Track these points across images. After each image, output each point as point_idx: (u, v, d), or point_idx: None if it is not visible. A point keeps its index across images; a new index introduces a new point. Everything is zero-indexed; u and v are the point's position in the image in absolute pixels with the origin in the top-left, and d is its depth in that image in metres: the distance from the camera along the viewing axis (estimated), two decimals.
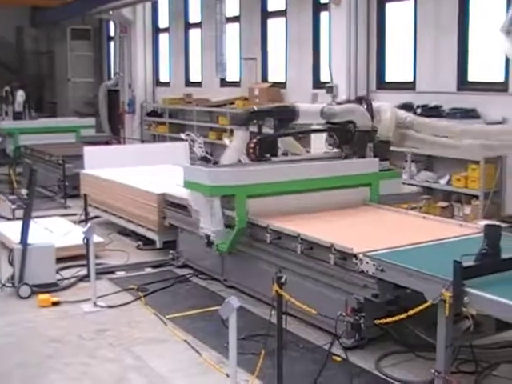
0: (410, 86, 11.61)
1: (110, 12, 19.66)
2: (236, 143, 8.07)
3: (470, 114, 10.18)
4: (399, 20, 12.09)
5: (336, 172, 7.70)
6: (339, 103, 8.39)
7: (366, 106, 8.04)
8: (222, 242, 7.18)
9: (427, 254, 5.80)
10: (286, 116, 8.09)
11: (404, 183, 9.15)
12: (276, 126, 8.15)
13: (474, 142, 8.44)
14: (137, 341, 6.30)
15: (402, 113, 8.53)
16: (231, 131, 15.03)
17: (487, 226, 5.15)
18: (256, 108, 8.18)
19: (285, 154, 8.75)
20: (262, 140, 7.88)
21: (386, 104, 8.41)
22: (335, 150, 8.20)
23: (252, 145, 7.82)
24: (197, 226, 7.51)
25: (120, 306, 7.24)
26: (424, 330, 5.59)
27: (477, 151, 8.95)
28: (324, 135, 8.33)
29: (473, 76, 10.80)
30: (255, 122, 8.07)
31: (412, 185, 10.11)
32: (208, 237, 7.27)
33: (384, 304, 5.71)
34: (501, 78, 10.21)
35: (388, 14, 12.18)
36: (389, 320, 5.21)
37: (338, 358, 5.71)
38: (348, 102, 8.48)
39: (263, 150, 7.86)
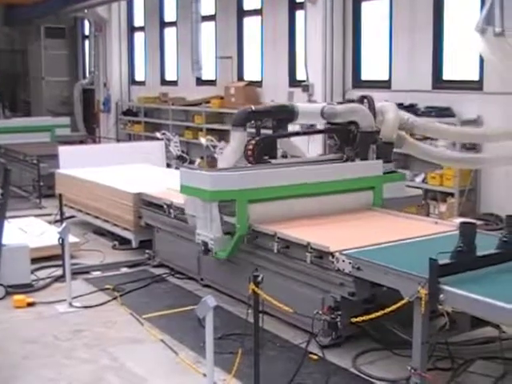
0: (385, 85, 11.67)
1: (85, 10, 19.57)
2: (234, 145, 7.61)
3: (445, 112, 10.25)
4: (375, 19, 12.14)
5: (340, 175, 7.36)
6: (340, 103, 8.05)
7: (367, 106, 7.75)
8: (220, 249, 6.85)
9: (403, 251, 5.82)
10: (284, 116, 7.72)
11: None
12: (275, 127, 7.79)
13: (474, 155, 8.46)
14: (113, 341, 6.26)
15: (403, 113, 8.33)
16: (206, 130, 15.08)
17: (462, 223, 5.17)
18: (254, 108, 7.71)
19: (284, 155, 8.41)
20: (261, 141, 7.46)
21: (389, 104, 8.16)
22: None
23: (251, 146, 7.40)
24: (191, 231, 7.22)
25: (96, 306, 7.19)
26: (400, 328, 5.61)
27: (477, 164, 8.95)
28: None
29: (448, 75, 10.87)
30: (253, 122, 7.66)
31: None
32: (205, 244, 6.88)
33: (360, 302, 5.72)
34: (475, 77, 10.29)
35: (364, 12, 12.23)
36: (365, 318, 5.22)
37: (315, 357, 5.72)
38: (349, 101, 8.13)
39: (262, 151, 7.46)
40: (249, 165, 7.40)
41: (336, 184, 7.29)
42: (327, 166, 7.51)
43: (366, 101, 7.81)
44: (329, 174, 7.32)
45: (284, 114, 7.70)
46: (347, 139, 7.69)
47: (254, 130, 7.70)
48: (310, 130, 8.86)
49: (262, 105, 8.65)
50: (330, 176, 7.29)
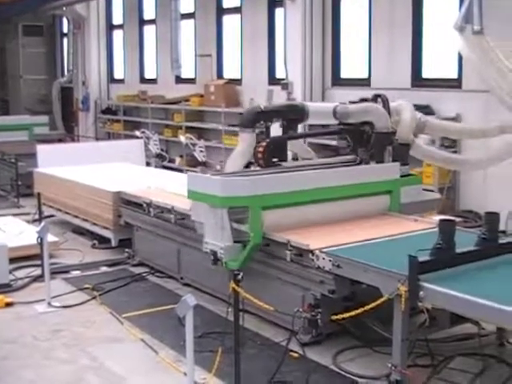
0: (365, 83, 11.70)
1: (64, 8, 19.42)
2: (242, 147, 7.16)
3: (425, 110, 10.25)
4: (354, 17, 12.17)
5: (357, 179, 6.89)
6: (354, 102, 7.58)
7: (382, 105, 7.36)
8: (231, 258, 6.33)
9: (383, 249, 5.83)
10: (295, 116, 7.30)
11: None
12: (284, 127, 7.33)
13: (482, 157, 8.30)
14: (92, 341, 6.23)
15: (416, 113, 7.97)
16: (186, 128, 15.05)
17: (442, 220, 5.19)
18: (263, 107, 7.26)
19: (294, 158, 7.91)
20: (271, 143, 7.04)
21: (405, 102, 7.81)
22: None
23: (261, 149, 6.96)
24: (198, 240, 6.89)
25: (75, 305, 7.14)
26: (380, 325, 5.63)
27: (483, 165, 8.70)
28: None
29: (427, 72, 10.92)
30: (262, 123, 7.20)
31: None
32: (214, 253, 6.37)
33: (341, 300, 5.73)
34: (454, 75, 10.34)
35: (343, 10, 12.25)
36: (345, 315, 5.23)
37: (296, 354, 5.71)
38: (363, 100, 7.61)
39: (272, 154, 7.05)
40: (258, 168, 7.04)
41: (353, 188, 6.85)
42: (344, 170, 7.08)
43: (379, 100, 7.45)
44: (346, 177, 6.88)
45: (294, 114, 7.32)
46: (361, 140, 7.33)
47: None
48: (321, 131, 8.43)
49: (272, 104, 8.08)
50: (347, 180, 6.84)
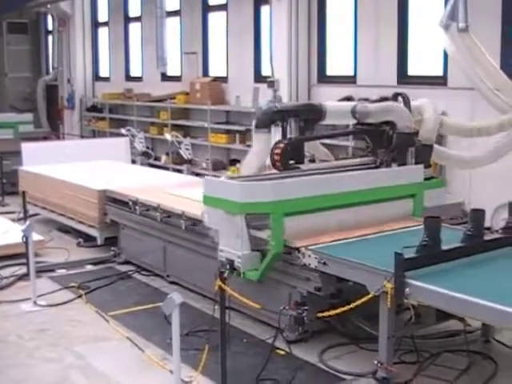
0: (350, 80, 11.71)
1: (48, 5, 19.33)
2: (257, 149, 6.76)
3: None
4: (340, 14, 12.17)
5: (382, 182, 6.54)
6: (373, 101, 7.14)
7: (402, 104, 7.04)
8: (250, 268, 5.95)
9: (369, 246, 5.83)
10: (311, 116, 6.90)
11: None
12: (301, 128, 6.89)
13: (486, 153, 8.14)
14: (78, 339, 6.20)
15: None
16: (172, 126, 15.01)
17: (427, 218, 5.20)
18: (279, 107, 6.86)
19: (311, 160, 7.46)
20: (289, 145, 6.60)
21: (427, 101, 7.49)
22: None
23: (278, 150, 6.54)
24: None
25: (61, 304, 7.12)
26: (366, 322, 5.63)
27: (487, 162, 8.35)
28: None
29: (412, 70, 10.95)
30: (278, 123, 6.80)
31: None
32: (231, 262, 5.96)
33: (327, 297, 5.73)
34: (440, 72, 10.37)
35: (329, 7, 12.25)
36: (332, 313, 5.23)
37: (282, 352, 5.73)
38: (382, 99, 7.21)
39: (289, 156, 6.64)
40: (274, 171, 6.65)
41: (379, 192, 6.50)
42: (370, 172, 6.74)
43: (400, 98, 7.10)
44: (372, 180, 6.52)
45: (311, 114, 6.90)
46: (380, 141, 6.95)
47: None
48: (340, 132, 8.03)
49: (286, 103, 7.53)
50: (372, 183, 6.48)
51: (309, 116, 6.91)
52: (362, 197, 6.38)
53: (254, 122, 6.85)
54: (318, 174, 6.54)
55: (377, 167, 6.93)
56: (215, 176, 7.53)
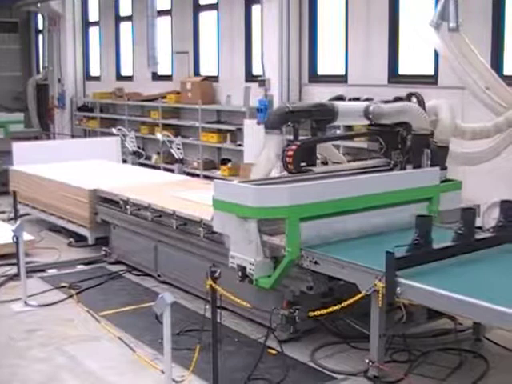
0: (341, 79, 11.71)
1: (38, 4, 19.28)
2: (269, 151, 6.46)
3: None
4: (331, 13, 12.18)
5: (400, 185, 6.31)
6: (387, 101, 6.94)
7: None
8: (262, 275, 5.74)
9: (360, 245, 5.83)
10: (323, 116, 6.67)
11: None
12: (314, 129, 6.74)
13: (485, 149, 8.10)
14: (69, 340, 6.18)
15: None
16: (163, 125, 14.99)
17: (418, 216, 5.21)
18: (291, 107, 6.55)
19: (324, 162, 7.20)
20: (302, 146, 6.40)
21: (443, 101, 7.28)
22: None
23: (291, 152, 6.34)
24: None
25: (52, 304, 7.09)
26: (358, 321, 5.64)
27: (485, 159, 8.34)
28: None
29: (403, 69, 10.96)
30: (290, 124, 6.58)
31: None
32: (243, 269, 5.78)
33: (318, 296, 5.73)
34: (431, 71, 10.39)
35: (320, 7, 12.26)
36: (323, 312, 5.24)
37: (274, 351, 5.72)
38: (396, 99, 7.01)
39: (301, 158, 6.45)
40: (286, 173, 6.49)
41: (396, 195, 6.25)
42: (388, 175, 6.51)
43: (414, 99, 6.91)
44: (390, 183, 6.29)
45: (323, 114, 6.66)
46: (394, 143, 6.74)
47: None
48: (353, 133, 7.81)
49: (299, 103, 7.14)
50: (390, 186, 6.25)
51: (321, 117, 6.69)
52: (381, 200, 6.14)
53: (264, 123, 6.68)
54: (332, 176, 6.34)
55: (390, 169, 6.74)
56: (206, 176, 7.46)
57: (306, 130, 6.83)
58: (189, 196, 8.00)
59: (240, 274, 5.78)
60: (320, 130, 6.76)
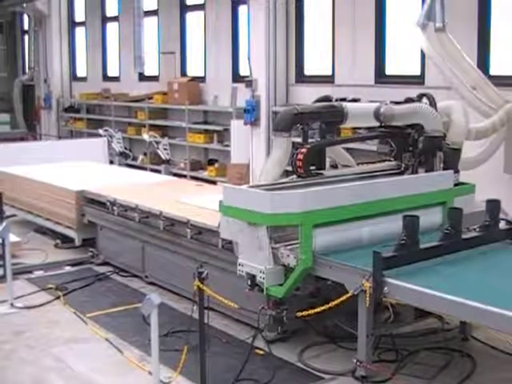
0: (328, 80, 11.72)
1: (24, 5, 19.20)
2: (278, 154, 6.21)
3: None
4: (317, 14, 12.19)
5: (415, 189, 6.07)
6: (397, 102, 6.70)
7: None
8: (273, 284, 5.51)
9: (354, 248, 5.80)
10: (333, 118, 6.49)
11: None
12: (323, 131, 6.58)
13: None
14: (56, 341, 6.16)
15: None
16: (149, 126, 14.96)
17: (405, 216, 5.22)
18: (300, 109, 6.32)
19: (333, 165, 6.99)
20: (312, 149, 6.22)
21: (455, 102, 7.07)
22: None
23: (301, 156, 6.12)
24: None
25: (38, 306, 7.06)
26: (345, 321, 5.64)
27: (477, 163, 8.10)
28: None
29: (390, 69, 10.99)
30: (299, 126, 6.39)
31: None
32: (252, 277, 5.58)
33: (306, 296, 5.73)
34: (417, 72, 10.42)
35: (306, 7, 12.27)
36: (311, 312, 5.24)
37: (261, 352, 5.72)
38: (407, 100, 6.71)
39: (311, 161, 6.26)
40: (295, 177, 6.30)
41: (411, 199, 5.99)
42: (403, 179, 6.32)
43: (425, 99, 6.66)
44: (405, 187, 6.05)
45: (332, 116, 6.48)
46: (406, 145, 6.54)
47: None
48: (364, 136, 7.64)
49: (306, 105, 6.89)
50: (405, 190, 6.00)
51: (330, 118, 6.51)
52: (397, 205, 5.87)
53: (273, 126, 6.61)
54: (343, 181, 6.15)
55: (402, 172, 6.56)
56: (193, 177, 7.39)
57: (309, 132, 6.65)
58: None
59: (249, 282, 5.57)
60: (329, 132, 6.61)
